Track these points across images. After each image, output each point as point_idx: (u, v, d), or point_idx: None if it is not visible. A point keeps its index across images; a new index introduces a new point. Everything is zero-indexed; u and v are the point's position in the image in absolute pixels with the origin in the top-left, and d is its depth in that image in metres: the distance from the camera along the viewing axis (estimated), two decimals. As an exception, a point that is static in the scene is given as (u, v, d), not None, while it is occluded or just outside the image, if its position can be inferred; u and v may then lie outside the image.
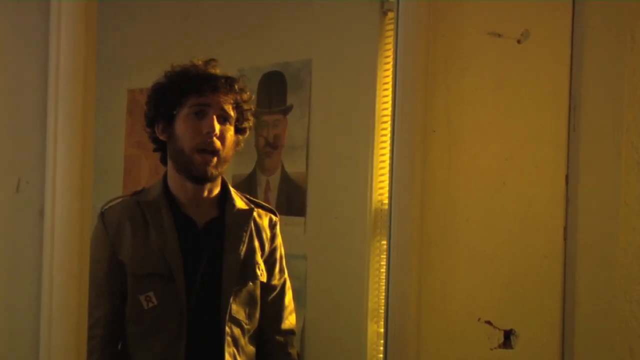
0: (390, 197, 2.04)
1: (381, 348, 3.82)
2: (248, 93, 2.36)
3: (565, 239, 2.13)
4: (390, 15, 3.84)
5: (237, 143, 2.35)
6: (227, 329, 2.25)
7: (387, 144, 3.81)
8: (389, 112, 3.80)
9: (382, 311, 3.80)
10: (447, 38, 2.08)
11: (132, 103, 4.59)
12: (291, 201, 4.00)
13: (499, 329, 2.10)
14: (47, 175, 1.62)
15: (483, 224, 2.11)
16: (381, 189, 3.84)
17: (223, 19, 4.37)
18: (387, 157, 3.81)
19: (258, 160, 4.16)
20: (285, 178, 4.07)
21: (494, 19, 2.12)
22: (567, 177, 2.14)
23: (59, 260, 1.63)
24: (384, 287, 3.80)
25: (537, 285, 2.13)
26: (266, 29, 4.19)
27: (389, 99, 3.81)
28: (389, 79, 3.81)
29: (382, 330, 3.80)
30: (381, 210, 3.83)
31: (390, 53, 3.83)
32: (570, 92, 2.13)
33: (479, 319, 2.09)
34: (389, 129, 3.69)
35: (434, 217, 2.06)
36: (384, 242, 3.81)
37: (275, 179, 4.10)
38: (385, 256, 3.80)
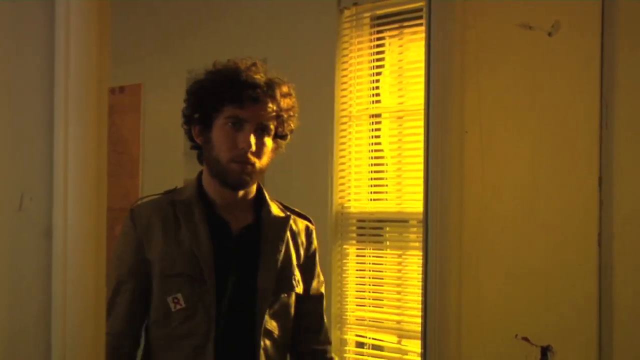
0: (425, 207, 1.76)
1: (345, 355, 3.55)
2: (291, 98, 2.14)
3: (599, 245, 1.89)
4: (347, 13, 3.58)
5: (276, 148, 2.15)
6: (261, 342, 2.05)
7: (347, 146, 3.56)
8: (347, 112, 3.55)
9: (344, 317, 3.54)
10: (477, 30, 1.82)
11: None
12: (247, 206, 3.67)
13: (536, 346, 1.85)
14: (55, 189, 1.30)
15: (518, 233, 1.86)
16: (342, 192, 3.58)
17: (172, 16, 4.02)
18: (347, 159, 3.56)
19: (211, 164, 3.82)
20: (240, 182, 3.74)
21: (524, 9, 1.87)
22: (600, 179, 1.90)
23: (72, 290, 1.31)
24: (347, 293, 3.55)
25: (572, 297, 1.89)
26: (217, 26, 3.86)
27: (348, 99, 3.56)
28: (347, 79, 3.56)
29: (345, 336, 3.55)
30: (342, 213, 3.56)
31: (347, 52, 3.56)
32: (602, 89, 1.89)
33: (516, 336, 1.84)
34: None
35: (469, 226, 1.80)
36: (346, 246, 3.56)
37: (229, 184, 3.77)
38: (347, 261, 3.55)
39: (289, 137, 2.17)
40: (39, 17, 1.30)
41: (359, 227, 3.55)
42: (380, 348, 3.50)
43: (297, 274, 2.16)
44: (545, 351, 1.86)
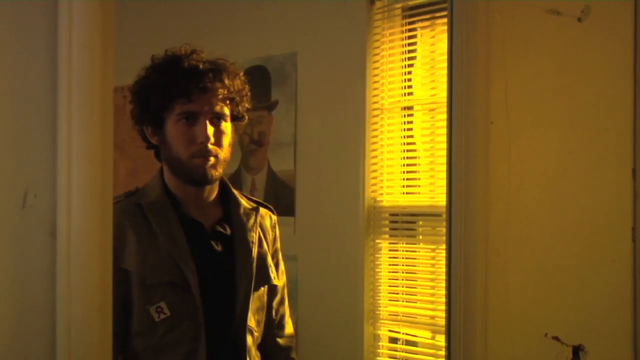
0: (449, 200, 1.67)
1: (378, 350, 3.47)
2: (240, 78, 2.00)
3: (634, 240, 1.78)
4: (378, 4, 3.49)
5: (235, 130, 2.02)
6: (248, 337, 1.96)
7: (379, 139, 3.47)
8: (379, 105, 3.46)
9: (377, 312, 3.46)
10: (503, 16, 1.72)
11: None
12: (279, 200, 3.61)
13: (567, 345, 1.75)
14: (59, 186, 1.25)
15: (547, 227, 1.76)
16: (374, 185, 3.49)
17: (200, 11, 3.97)
18: (379, 153, 3.47)
19: (242, 159, 3.76)
20: (272, 177, 3.68)
21: (552, -6, 1.76)
22: (634, 170, 1.79)
23: (78, 292, 1.25)
24: (380, 288, 3.47)
25: (605, 294, 1.78)
26: (246, 21, 3.80)
27: (380, 91, 3.47)
28: (379, 71, 3.47)
29: (378, 332, 3.47)
30: (374, 207, 3.48)
31: (379, 44, 3.47)
32: (635, 75, 1.78)
33: (546, 335, 1.74)
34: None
35: (496, 221, 1.70)
36: (379, 240, 3.48)
37: (261, 178, 3.71)
38: (379, 255, 3.47)
39: (246, 118, 2.04)
40: (42, 12, 1.25)
41: (391, 222, 3.47)
42: (413, 344, 3.42)
43: (273, 266, 2.08)
44: (577, 351, 1.76)
